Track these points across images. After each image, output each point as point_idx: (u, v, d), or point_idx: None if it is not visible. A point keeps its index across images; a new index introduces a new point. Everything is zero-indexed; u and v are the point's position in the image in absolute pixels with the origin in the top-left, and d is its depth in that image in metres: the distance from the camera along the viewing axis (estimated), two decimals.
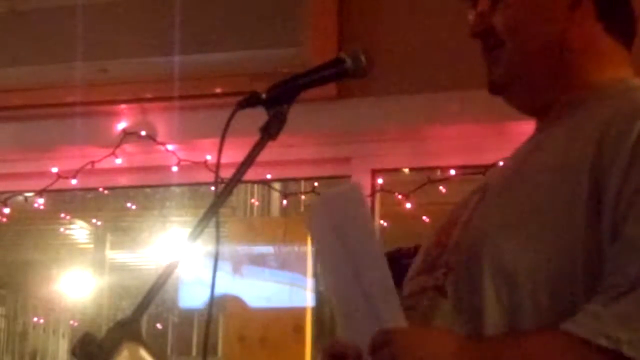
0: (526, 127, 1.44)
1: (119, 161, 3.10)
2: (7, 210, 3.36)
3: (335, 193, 1.35)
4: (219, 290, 4.52)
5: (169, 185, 4.39)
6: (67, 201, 5.63)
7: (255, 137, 1.22)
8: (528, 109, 1.39)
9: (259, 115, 1.24)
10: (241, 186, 5.09)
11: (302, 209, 5.37)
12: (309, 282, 4.06)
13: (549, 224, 1.19)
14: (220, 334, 4.33)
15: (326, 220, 1.24)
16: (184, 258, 1.11)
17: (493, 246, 1.20)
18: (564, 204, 1.18)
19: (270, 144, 1.22)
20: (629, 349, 1.07)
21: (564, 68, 1.33)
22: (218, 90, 2.98)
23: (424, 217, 3.27)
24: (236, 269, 4.69)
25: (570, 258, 1.17)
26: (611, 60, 1.35)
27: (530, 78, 1.35)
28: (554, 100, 1.34)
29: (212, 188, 1.43)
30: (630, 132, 1.17)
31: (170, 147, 3.06)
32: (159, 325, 9.65)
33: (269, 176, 3.15)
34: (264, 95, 1.24)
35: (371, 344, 1.15)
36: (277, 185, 3.76)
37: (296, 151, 2.99)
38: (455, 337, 1.17)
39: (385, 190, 3.05)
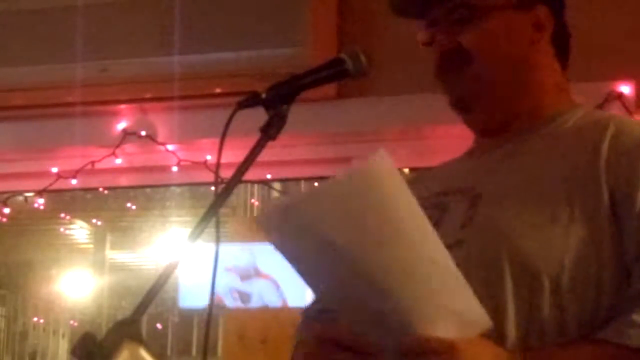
0: None
1: (119, 161, 3.10)
2: (7, 210, 3.36)
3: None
4: (219, 290, 4.53)
5: (169, 186, 4.40)
6: (67, 201, 5.64)
7: (255, 137, 1.22)
8: (488, 125, 1.44)
9: (259, 115, 1.24)
10: (241, 186, 5.10)
11: None
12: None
13: (572, 229, 1.22)
14: (220, 334, 4.33)
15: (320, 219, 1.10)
16: (184, 258, 1.10)
17: (514, 245, 1.22)
18: (584, 207, 1.23)
19: (270, 144, 1.22)
20: None
21: (528, 85, 1.41)
22: (218, 90, 2.98)
23: None
24: (236, 269, 4.69)
25: (596, 262, 1.20)
26: (563, 87, 1.45)
27: (497, 93, 1.40)
28: (515, 116, 1.41)
29: (212, 188, 1.43)
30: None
31: (170, 147, 3.06)
32: (159, 325, 9.66)
33: (269, 176, 3.15)
34: (264, 95, 1.24)
35: (411, 349, 1.11)
36: (277, 185, 3.76)
37: (296, 151, 2.99)
38: (499, 351, 1.17)
39: None
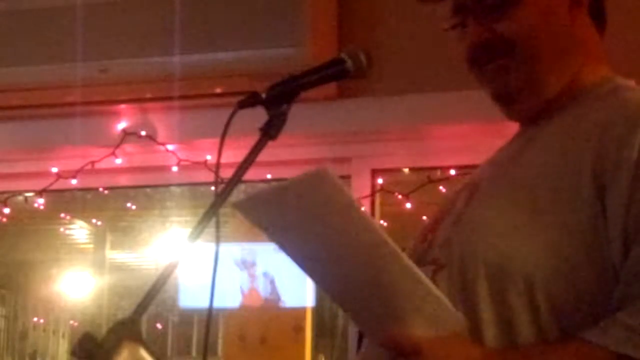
0: None
1: (119, 161, 3.10)
2: (7, 210, 3.36)
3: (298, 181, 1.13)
4: (219, 289, 4.51)
5: (169, 185, 4.38)
6: (67, 201, 5.62)
7: (255, 137, 1.22)
8: (529, 113, 1.38)
9: (259, 115, 1.24)
10: (241, 186, 5.09)
11: None
12: (309, 281, 4.05)
13: (549, 225, 1.18)
14: (220, 334, 4.33)
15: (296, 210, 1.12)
16: (184, 258, 1.10)
17: (489, 244, 1.20)
18: (566, 205, 1.18)
19: (270, 144, 1.22)
20: None
21: (571, 66, 1.34)
22: (218, 90, 2.98)
23: (424, 217, 3.26)
24: (236, 269, 4.68)
25: (571, 260, 1.17)
26: (602, 58, 1.38)
27: (543, 81, 1.34)
28: (556, 98, 1.34)
29: (212, 188, 1.43)
30: (632, 137, 1.17)
31: (170, 147, 3.06)
32: (159, 325, 9.64)
33: (269, 176, 3.15)
34: (264, 95, 1.24)
35: (395, 348, 1.13)
36: None
37: (296, 151, 2.99)
38: (472, 351, 1.16)
39: (385, 190, 3.05)
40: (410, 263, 1.10)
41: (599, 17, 1.39)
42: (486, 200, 1.29)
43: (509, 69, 1.34)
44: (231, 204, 1.14)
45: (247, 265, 4.53)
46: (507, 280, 1.18)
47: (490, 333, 1.18)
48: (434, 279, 1.20)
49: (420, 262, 1.24)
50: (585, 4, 1.36)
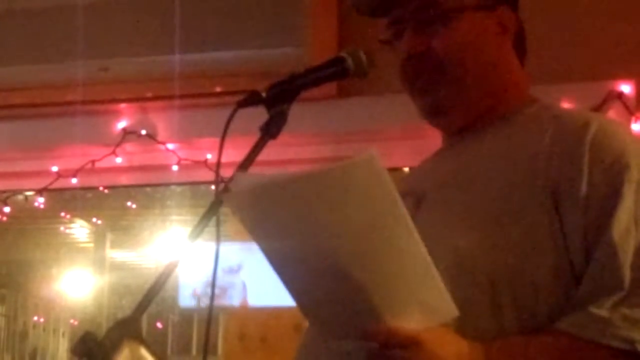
0: None
1: (119, 160, 3.10)
2: (7, 209, 3.36)
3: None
4: (220, 289, 4.53)
5: (169, 184, 4.39)
6: (67, 200, 5.62)
7: (256, 137, 1.22)
8: (459, 126, 1.44)
9: (259, 115, 1.24)
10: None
11: None
12: None
13: (507, 229, 1.22)
14: (220, 334, 4.33)
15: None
16: (184, 257, 1.10)
17: (450, 248, 1.23)
18: (520, 211, 1.23)
19: (270, 143, 1.22)
20: None
21: (495, 86, 1.41)
22: (218, 90, 2.98)
23: None
24: (236, 268, 4.69)
25: (533, 261, 1.21)
26: (525, 82, 1.46)
27: (471, 96, 1.40)
28: (479, 115, 1.41)
29: (213, 187, 1.43)
30: (581, 145, 1.24)
31: (170, 146, 3.06)
32: (159, 325, 9.64)
33: None
34: (264, 94, 1.24)
35: (377, 338, 1.13)
36: None
37: (296, 151, 2.99)
38: (462, 344, 1.17)
39: None
40: (425, 250, 1.10)
41: (520, 48, 1.47)
42: (438, 208, 1.31)
43: (438, 85, 1.39)
44: (226, 194, 1.12)
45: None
46: (470, 280, 1.21)
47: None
48: None
49: None
50: (511, 32, 1.43)
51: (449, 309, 1.14)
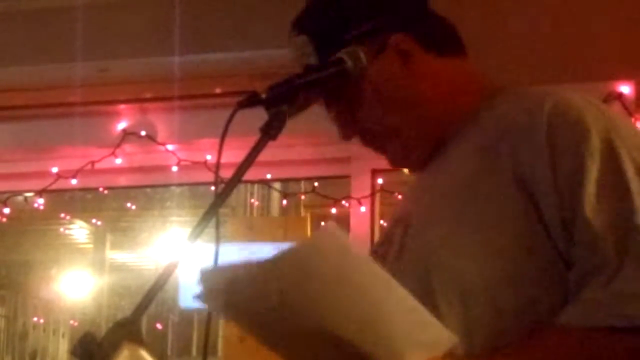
0: None
1: (118, 161, 3.10)
2: (7, 210, 3.37)
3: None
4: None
5: (168, 185, 4.39)
6: (67, 201, 5.63)
7: (255, 137, 1.22)
8: (424, 160, 1.40)
9: (259, 115, 1.23)
10: (241, 186, 5.09)
11: (302, 208, 5.37)
12: None
13: (490, 233, 1.20)
14: (220, 334, 4.32)
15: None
16: (184, 258, 1.10)
17: (442, 266, 1.21)
18: (496, 211, 1.20)
19: (270, 144, 1.21)
20: None
21: (435, 110, 1.36)
22: (218, 90, 2.98)
23: None
24: None
25: (521, 260, 1.18)
26: (471, 78, 1.39)
27: (418, 135, 1.38)
28: (441, 136, 1.37)
29: (212, 188, 1.43)
30: (536, 127, 1.20)
31: (170, 147, 3.06)
32: (159, 325, 9.65)
33: (269, 176, 3.15)
34: (263, 95, 1.24)
35: None
36: (277, 185, 3.76)
37: (296, 151, 2.99)
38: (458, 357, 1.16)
39: (385, 190, 3.05)
40: (405, 292, 1.10)
41: (448, 47, 1.39)
42: (423, 227, 1.29)
43: (384, 146, 1.41)
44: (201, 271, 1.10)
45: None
46: (464, 292, 1.19)
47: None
48: None
49: None
50: (416, 49, 1.36)
51: (447, 338, 1.14)
